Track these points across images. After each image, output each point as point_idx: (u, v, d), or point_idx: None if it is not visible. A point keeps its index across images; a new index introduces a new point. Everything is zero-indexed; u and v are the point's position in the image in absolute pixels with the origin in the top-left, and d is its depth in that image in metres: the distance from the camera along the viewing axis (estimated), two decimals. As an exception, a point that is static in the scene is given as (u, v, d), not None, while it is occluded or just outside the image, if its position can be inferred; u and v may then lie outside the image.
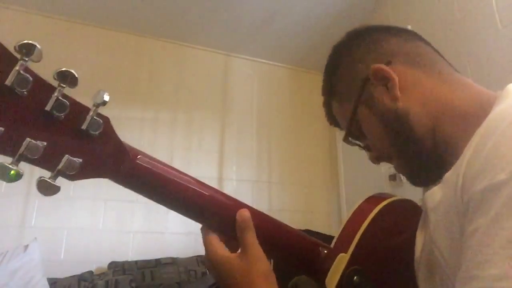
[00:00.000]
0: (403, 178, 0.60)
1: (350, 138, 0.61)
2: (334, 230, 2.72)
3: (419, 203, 0.63)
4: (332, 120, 0.67)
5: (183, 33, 2.85)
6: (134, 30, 2.79)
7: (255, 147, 2.90)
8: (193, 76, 2.90)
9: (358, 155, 2.94)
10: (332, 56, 0.63)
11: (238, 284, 0.46)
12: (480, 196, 0.37)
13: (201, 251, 2.34)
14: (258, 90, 3.08)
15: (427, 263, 0.52)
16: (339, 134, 2.84)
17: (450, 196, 0.43)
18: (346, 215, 0.58)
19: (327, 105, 0.66)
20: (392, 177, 2.17)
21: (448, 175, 0.46)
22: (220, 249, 0.48)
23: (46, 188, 0.35)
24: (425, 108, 0.52)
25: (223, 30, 2.83)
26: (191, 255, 2.32)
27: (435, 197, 0.48)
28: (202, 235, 0.50)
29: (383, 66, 0.53)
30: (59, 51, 2.48)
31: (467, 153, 0.41)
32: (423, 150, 0.53)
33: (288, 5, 2.54)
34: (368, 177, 2.41)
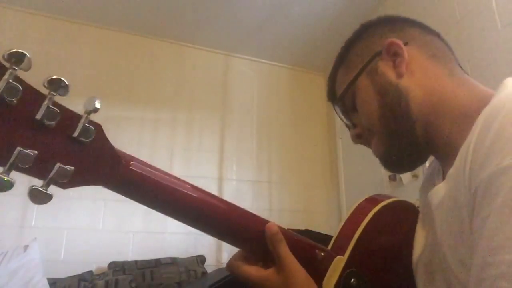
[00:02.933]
0: (403, 178, 0.60)
1: (338, 109, 0.62)
2: (334, 230, 2.70)
3: (416, 204, 0.63)
4: (331, 95, 0.66)
5: (183, 33, 2.84)
6: (134, 30, 2.79)
7: (255, 147, 2.90)
8: (193, 76, 2.90)
9: (358, 155, 2.95)
10: (357, 29, 0.63)
11: None
12: (487, 183, 0.37)
13: (201, 251, 2.33)
14: (258, 90, 3.08)
15: (428, 263, 0.52)
16: (339, 134, 2.84)
17: (455, 190, 0.43)
18: (344, 216, 0.58)
19: (333, 76, 0.65)
20: (392, 177, 2.17)
21: (451, 171, 0.46)
22: (253, 270, 0.48)
23: (38, 197, 0.34)
24: (427, 95, 0.52)
25: (223, 30, 2.83)
26: (191, 255, 2.32)
27: (439, 194, 0.48)
28: (229, 265, 0.51)
29: (398, 41, 0.54)
30: (59, 51, 2.48)
31: (470, 145, 0.41)
32: (411, 133, 0.53)
33: (288, 5, 2.54)
34: (368, 177, 2.41)
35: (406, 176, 2.03)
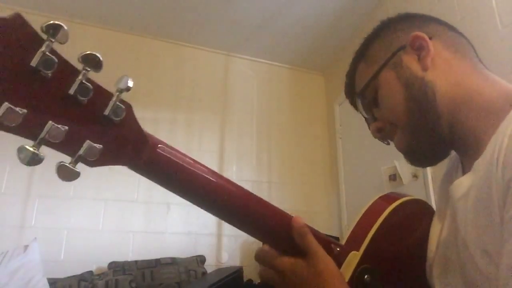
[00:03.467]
0: (403, 178, 0.60)
1: (359, 103, 0.61)
2: (334, 230, 2.72)
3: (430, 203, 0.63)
4: (349, 91, 0.65)
5: (183, 33, 2.85)
6: (134, 30, 2.79)
7: (255, 147, 2.90)
8: (193, 76, 2.90)
9: (358, 155, 2.94)
10: (377, 26, 0.63)
11: (314, 286, 0.46)
12: None
13: (201, 251, 2.32)
14: (258, 90, 3.08)
15: (443, 258, 0.52)
16: (339, 134, 2.84)
17: (484, 180, 0.43)
18: (359, 213, 0.58)
19: (351, 72, 0.64)
20: (392, 177, 2.17)
21: (479, 161, 0.46)
22: (285, 258, 0.48)
23: (66, 173, 0.34)
24: (453, 89, 0.52)
25: (223, 30, 2.83)
26: (191, 255, 2.32)
27: (463, 185, 0.48)
28: (260, 253, 0.50)
29: (423, 35, 0.54)
30: (59, 51, 2.47)
31: (505, 136, 0.42)
32: (437, 126, 0.53)
33: (288, 5, 2.54)
34: (368, 177, 2.41)
35: (406, 176, 2.03)
